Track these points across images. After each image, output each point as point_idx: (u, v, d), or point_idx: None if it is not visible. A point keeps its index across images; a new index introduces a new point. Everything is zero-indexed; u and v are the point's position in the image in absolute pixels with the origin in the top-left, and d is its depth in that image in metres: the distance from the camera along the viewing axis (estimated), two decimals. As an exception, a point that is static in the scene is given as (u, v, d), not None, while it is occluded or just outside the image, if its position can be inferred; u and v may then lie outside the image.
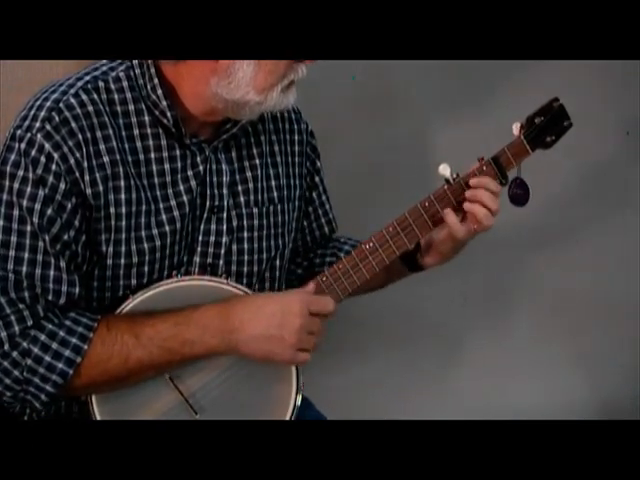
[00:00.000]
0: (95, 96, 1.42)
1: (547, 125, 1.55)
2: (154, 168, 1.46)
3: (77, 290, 1.41)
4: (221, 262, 1.53)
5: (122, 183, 1.42)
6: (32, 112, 1.40)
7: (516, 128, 1.54)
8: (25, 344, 1.36)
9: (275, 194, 1.59)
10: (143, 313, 1.42)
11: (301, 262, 1.73)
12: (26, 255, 1.37)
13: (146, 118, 1.45)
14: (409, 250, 1.58)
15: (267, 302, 1.44)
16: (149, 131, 1.45)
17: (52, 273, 1.38)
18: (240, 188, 1.55)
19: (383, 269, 1.59)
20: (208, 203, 1.51)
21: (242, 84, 1.41)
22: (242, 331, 1.42)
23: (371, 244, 1.51)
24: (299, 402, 1.49)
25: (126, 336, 1.39)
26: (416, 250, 1.61)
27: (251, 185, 1.56)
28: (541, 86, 1.65)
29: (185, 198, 1.48)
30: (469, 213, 1.51)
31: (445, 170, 1.51)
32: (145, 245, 1.45)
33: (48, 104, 1.39)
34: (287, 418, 1.49)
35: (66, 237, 1.39)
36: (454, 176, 1.51)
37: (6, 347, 1.36)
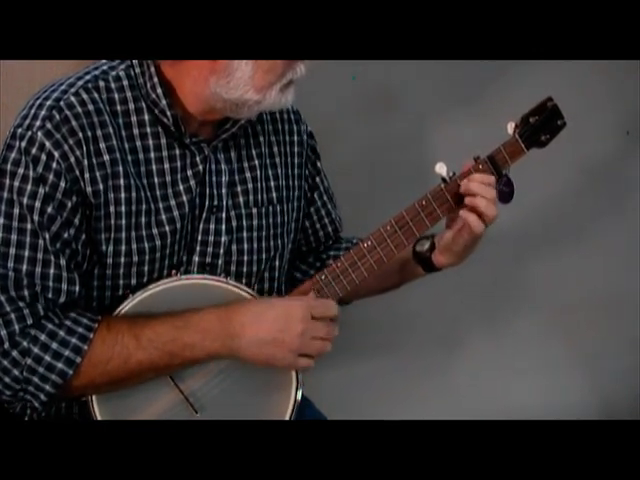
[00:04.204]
0: (95, 95, 1.42)
1: (541, 124, 1.56)
2: (154, 167, 1.46)
3: (77, 288, 1.41)
4: (220, 262, 1.53)
5: (122, 182, 1.42)
6: (32, 111, 1.40)
7: (511, 127, 1.56)
8: (25, 343, 1.36)
9: (274, 195, 1.59)
10: (143, 314, 1.42)
11: (313, 262, 1.73)
12: (26, 253, 1.37)
13: (146, 117, 1.45)
14: (424, 252, 1.59)
15: (269, 307, 1.44)
16: (149, 130, 1.45)
17: (52, 271, 1.38)
18: (239, 188, 1.55)
19: (395, 271, 1.62)
20: (207, 203, 1.51)
21: (241, 83, 1.41)
22: (243, 336, 1.42)
23: (369, 242, 1.52)
24: (299, 397, 1.49)
25: (126, 338, 1.39)
26: (431, 250, 1.61)
27: (250, 185, 1.56)
28: (541, 86, 1.65)
29: (185, 198, 1.48)
30: (471, 207, 1.51)
31: (441, 169, 1.52)
32: (145, 244, 1.45)
33: (49, 103, 1.40)
34: (287, 414, 1.49)
35: (66, 235, 1.39)
36: (450, 175, 1.52)
37: (6, 346, 1.36)
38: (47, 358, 1.37)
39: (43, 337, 1.37)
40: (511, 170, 1.56)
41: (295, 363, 1.45)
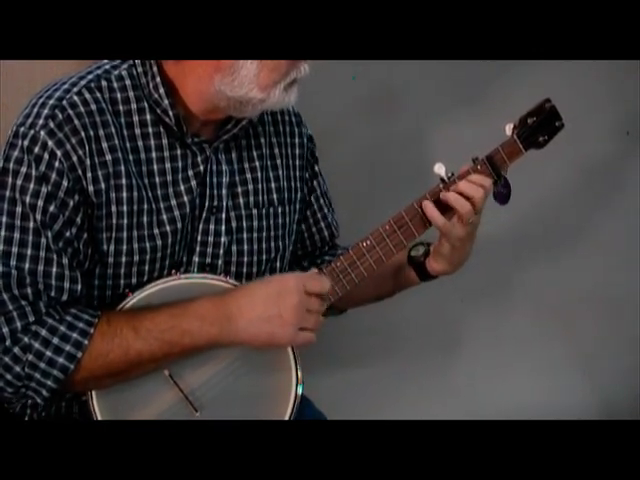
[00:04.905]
0: (98, 95, 1.42)
1: (539, 125, 1.57)
2: (155, 167, 1.46)
3: (79, 287, 1.41)
4: (220, 262, 1.53)
5: (123, 181, 1.42)
6: (35, 110, 1.40)
7: (509, 128, 1.56)
8: (26, 339, 1.37)
9: (275, 196, 1.60)
10: (142, 307, 1.42)
11: (308, 267, 1.72)
12: (29, 252, 1.38)
13: (148, 117, 1.45)
14: (418, 257, 1.60)
15: (262, 286, 1.44)
16: (151, 130, 1.46)
17: (54, 270, 1.39)
18: (240, 189, 1.55)
19: (390, 275, 1.62)
20: (207, 203, 1.51)
21: (245, 81, 1.42)
22: (240, 317, 1.41)
23: (368, 242, 1.52)
24: (300, 392, 1.49)
25: (125, 330, 1.39)
26: (425, 256, 1.61)
27: (251, 187, 1.56)
28: (541, 86, 1.65)
29: (185, 198, 1.48)
30: (451, 205, 1.51)
31: (440, 169, 1.53)
32: (146, 244, 1.45)
33: (51, 102, 1.40)
34: (289, 409, 1.49)
35: (68, 234, 1.39)
36: (449, 175, 1.53)
37: (7, 343, 1.36)
38: (48, 353, 1.37)
39: (44, 332, 1.37)
40: (511, 171, 1.57)
41: (296, 337, 1.43)
